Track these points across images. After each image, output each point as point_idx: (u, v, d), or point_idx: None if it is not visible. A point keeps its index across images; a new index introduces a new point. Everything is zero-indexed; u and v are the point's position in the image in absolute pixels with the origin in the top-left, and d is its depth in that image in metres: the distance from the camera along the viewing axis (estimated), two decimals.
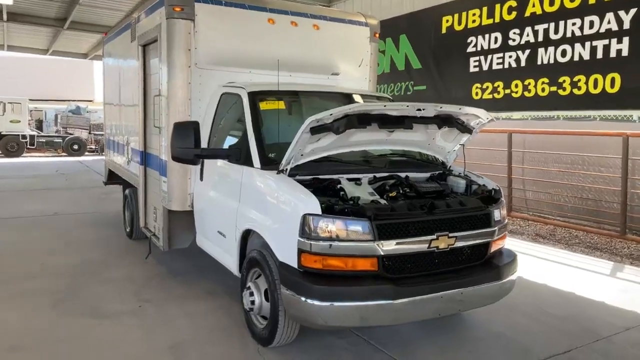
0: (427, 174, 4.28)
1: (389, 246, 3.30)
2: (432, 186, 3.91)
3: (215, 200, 4.58)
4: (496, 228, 3.83)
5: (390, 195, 3.73)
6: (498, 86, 7.34)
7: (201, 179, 4.86)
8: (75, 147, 23.91)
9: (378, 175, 3.98)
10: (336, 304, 3.20)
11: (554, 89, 6.66)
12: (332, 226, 3.25)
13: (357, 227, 3.27)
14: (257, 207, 3.85)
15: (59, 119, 30.08)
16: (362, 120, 3.56)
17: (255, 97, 4.30)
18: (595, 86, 6.21)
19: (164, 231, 5.33)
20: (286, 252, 3.45)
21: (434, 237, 3.45)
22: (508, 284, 3.85)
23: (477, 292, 3.59)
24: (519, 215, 8.86)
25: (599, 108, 6.30)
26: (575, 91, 6.43)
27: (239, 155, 4.08)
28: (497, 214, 3.90)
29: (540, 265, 6.41)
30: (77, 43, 19.00)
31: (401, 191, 3.80)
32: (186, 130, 4.07)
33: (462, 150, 4.39)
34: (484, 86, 7.52)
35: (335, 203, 3.36)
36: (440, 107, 3.75)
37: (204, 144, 4.83)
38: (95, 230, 7.80)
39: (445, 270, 3.58)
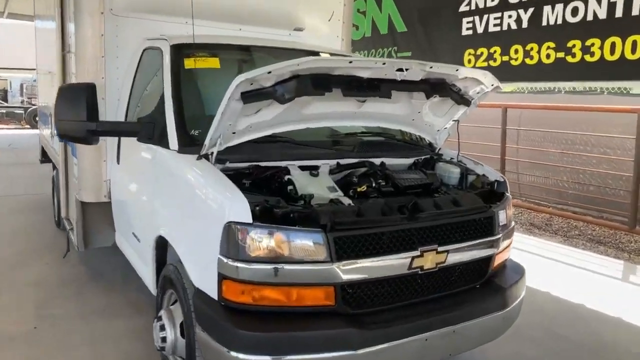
0: (410, 160, 3.23)
1: (352, 269, 2.26)
2: (416, 178, 2.86)
3: (130, 192, 3.48)
4: (501, 235, 2.81)
5: (359, 190, 2.68)
6: (495, 52, 6.26)
7: (118, 161, 3.74)
8: (38, 118, 22.27)
9: (343, 161, 2.91)
10: (273, 359, 2.15)
11: (561, 55, 5.61)
12: (268, 240, 2.19)
13: (306, 242, 2.22)
14: (170, 207, 2.77)
15: (24, 88, 28.31)
16: (319, 84, 2.47)
17: (180, 52, 3.16)
18: (613, 52, 5.17)
19: (77, 226, 4.22)
20: (204, 275, 2.38)
21: (418, 253, 2.41)
22: (514, 311, 2.85)
23: (476, 327, 2.58)
24: (512, 202, 7.90)
25: (616, 78, 5.28)
26: (588, 58, 5.38)
27: (151, 132, 2.96)
28: (502, 215, 2.88)
29: (539, 264, 5.47)
30: (31, 4, 17.30)
31: (374, 185, 2.75)
32: (76, 96, 2.90)
33: (457, 127, 3.34)
34: (478, 52, 6.44)
35: (275, 204, 2.29)
36: (430, 67, 2.68)
37: (120, 115, 3.72)
38: (23, 217, 6.70)
39: (432, 298, 2.56)
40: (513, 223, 3.09)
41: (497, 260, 2.85)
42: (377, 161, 2.98)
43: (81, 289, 4.33)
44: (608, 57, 5.21)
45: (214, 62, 3.15)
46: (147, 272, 3.20)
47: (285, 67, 2.28)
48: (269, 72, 2.26)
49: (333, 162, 2.86)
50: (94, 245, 4.30)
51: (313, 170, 2.69)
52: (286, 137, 2.83)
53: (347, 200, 2.50)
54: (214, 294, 2.29)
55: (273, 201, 2.30)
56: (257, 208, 2.23)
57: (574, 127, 7.16)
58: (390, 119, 3.13)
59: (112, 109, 3.84)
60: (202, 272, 2.39)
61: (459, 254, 2.58)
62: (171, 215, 2.74)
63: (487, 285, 2.79)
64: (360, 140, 3.15)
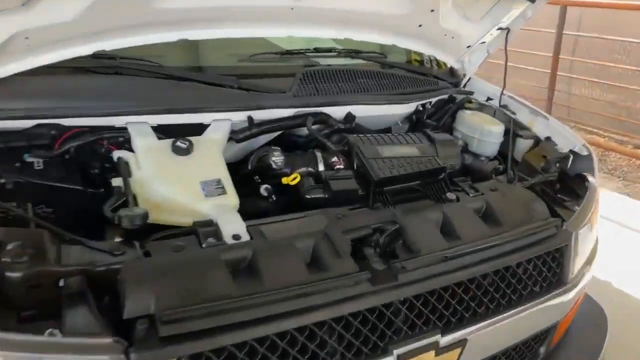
0: (410, 107, 1.69)
1: None
2: (410, 154, 1.38)
3: None
4: (577, 281, 1.37)
5: (285, 182, 1.25)
6: None
7: None
8: None
9: (262, 115, 1.41)
10: None
11: None
12: None
13: None
14: None
15: None
16: None
17: None
18: None
19: None
20: None
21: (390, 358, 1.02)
22: None
23: None
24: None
25: None
26: None
27: None
28: (585, 235, 1.42)
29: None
30: None
31: (318, 169, 1.30)
32: None
33: (505, 42, 1.77)
34: None
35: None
36: None
37: None
38: None
39: None
40: (597, 233, 1.62)
41: (564, 325, 1.44)
42: (337, 112, 1.48)
43: None
44: None
45: None
46: None
47: None
48: None
49: (240, 115, 1.38)
50: None
51: (181, 141, 1.22)
52: (141, 59, 1.34)
53: (232, 227, 1.06)
54: None
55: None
56: None
57: None
58: (373, 23, 1.56)
59: None
60: None
61: (486, 342, 1.17)
62: None
63: None
64: (307, 67, 1.58)
